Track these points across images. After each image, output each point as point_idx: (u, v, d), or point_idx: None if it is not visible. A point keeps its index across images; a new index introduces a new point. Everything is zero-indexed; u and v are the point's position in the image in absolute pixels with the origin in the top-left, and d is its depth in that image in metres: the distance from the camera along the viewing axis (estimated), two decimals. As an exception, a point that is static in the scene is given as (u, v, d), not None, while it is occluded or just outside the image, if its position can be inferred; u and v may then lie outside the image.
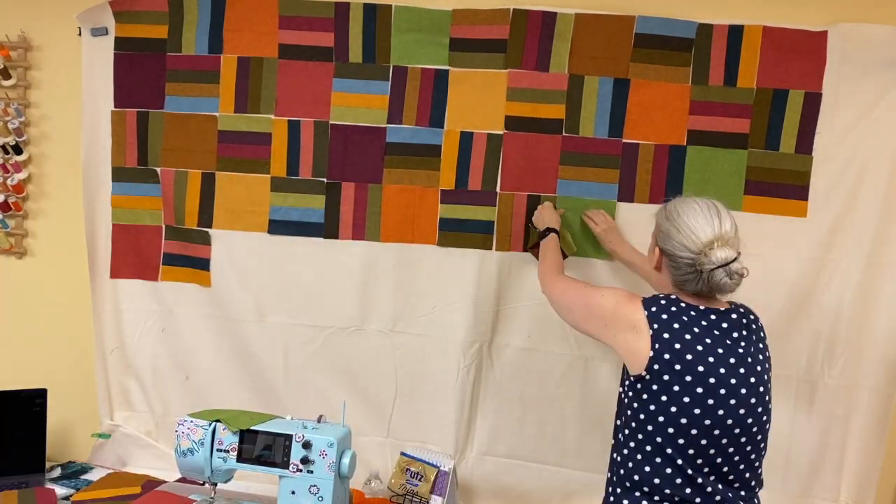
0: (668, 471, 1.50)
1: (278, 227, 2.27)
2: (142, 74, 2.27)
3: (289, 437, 1.79)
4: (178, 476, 2.03)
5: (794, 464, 2.15)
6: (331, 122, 2.22)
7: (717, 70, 2.08)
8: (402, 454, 2.16)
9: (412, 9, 2.16)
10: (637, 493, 1.54)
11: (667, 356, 1.48)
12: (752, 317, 1.59)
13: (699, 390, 1.47)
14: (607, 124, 2.13)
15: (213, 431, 1.80)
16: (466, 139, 2.18)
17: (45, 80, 2.37)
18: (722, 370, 1.47)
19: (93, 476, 2.25)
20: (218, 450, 1.82)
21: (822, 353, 2.11)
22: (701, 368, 1.47)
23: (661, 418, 1.49)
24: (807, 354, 2.12)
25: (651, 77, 2.10)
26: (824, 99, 2.05)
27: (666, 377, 1.48)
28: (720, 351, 1.49)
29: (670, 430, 1.49)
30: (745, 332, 1.54)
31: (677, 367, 1.48)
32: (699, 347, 1.48)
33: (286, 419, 1.87)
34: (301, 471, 1.77)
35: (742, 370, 1.49)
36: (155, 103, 2.28)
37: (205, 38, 2.24)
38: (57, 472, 2.28)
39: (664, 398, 1.49)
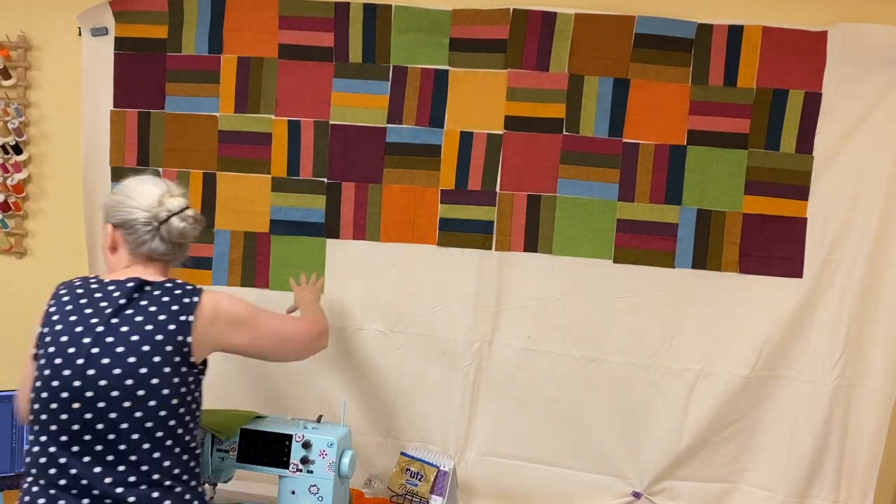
0: (35, 448, 1.48)
1: (279, 227, 2.27)
2: (142, 74, 2.27)
3: (289, 437, 1.79)
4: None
5: (794, 464, 2.14)
6: (331, 122, 2.23)
7: (717, 70, 2.08)
8: (402, 454, 2.16)
9: (412, 9, 2.16)
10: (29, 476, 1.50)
11: (42, 331, 1.51)
12: (176, 291, 1.54)
13: (46, 372, 1.46)
14: (607, 124, 2.13)
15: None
16: (466, 139, 2.18)
17: (45, 80, 2.37)
18: (71, 349, 1.45)
19: (93, 476, 2.25)
20: (218, 450, 1.83)
21: (822, 354, 2.11)
22: (52, 349, 1.47)
23: (32, 394, 1.49)
24: (807, 354, 2.12)
25: (651, 77, 2.10)
26: (824, 99, 2.05)
27: (39, 352, 1.49)
28: (78, 329, 1.47)
29: (35, 406, 1.48)
30: (130, 309, 1.49)
31: (42, 348, 1.49)
32: (59, 327, 1.49)
33: (286, 419, 1.88)
34: (301, 471, 1.77)
35: (96, 349, 1.45)
36: (155, 103, 2.28)
37: (205, 38, 2.24)
38: (57, 472, 2.27)
39: (36, 373, 1.50)
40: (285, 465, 1.78)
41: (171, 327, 1.49)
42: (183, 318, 1.51)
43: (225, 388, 2.32)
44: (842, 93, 2.04)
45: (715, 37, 2.07)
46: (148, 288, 1.54)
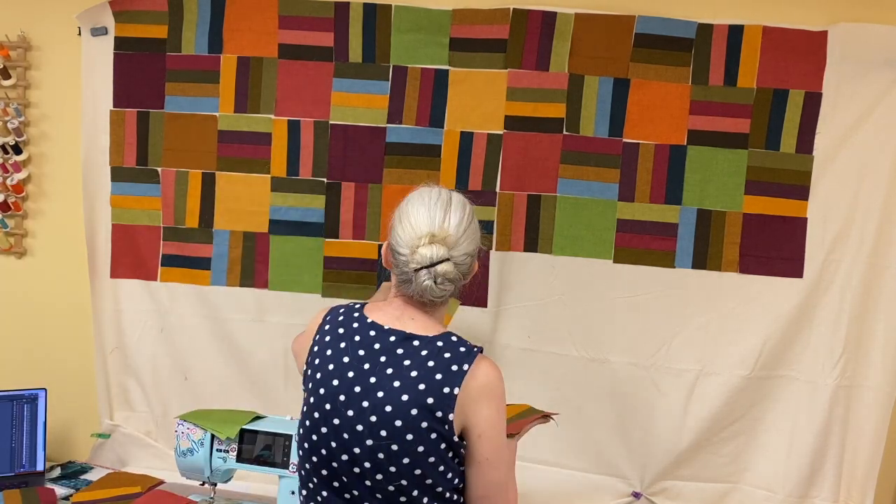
0: (303, 492, 1.39)
1: (278, 227, 2.27)
2: (142, 74, 2.27)
3: (288, 437, 1.79)
4: (179, 476, 2.02)
5: (794, 464, 2.14)
6: (331, 121, 2.22)
7: (717, 70, 2.08)
8: (403, 454, 2.15)
9: (412, 8, 2.16)
10: None
11: (309, 371, 1.37)
12: (446, 354, 1.31)
13: (316, 415, 1.33)
14: (607, 124, 2.13)
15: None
16: (466, 139, 2.18)
17: (45, 80, 2.37)
18: (342, 397, 1.31)
19: (92, 476, 2.25)
20: (218, 450, 1.83)
21: (822, 353, 2.11)
22: (322, 391, 1.32)
23: (301, 430, 1.39)
24: (807, 354, 2.12)
25: (651, 77, 2.10)
26: (824, 99, 2.05)
27: (306, 389, 1.37)
28: (350, 375, 1.32)
29: (305, 446, 1.37)
30: (405, 362, 1.31)
31: (310, 384, 1.36)
32: (331, 366, 1.33)
33: (286, 419, 1.88)
34: (301, 471, 1.76)
35: (366, 403, 1.29)
36: (155, 103, 2.28)
37: (205, 38, 2.24)
38: (57, 472, 2.28)
39: (305, 410, 1.38)
40: (285, 465, 1.78)
41: (431, 400, 1.29)
42: (447, 390, 1.29)
43: (225, 388, 2.33)
44: (842, 93, 2.04)
45: (715, 37, 2.07)
46: (416, 343, 1.34)
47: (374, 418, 1.28)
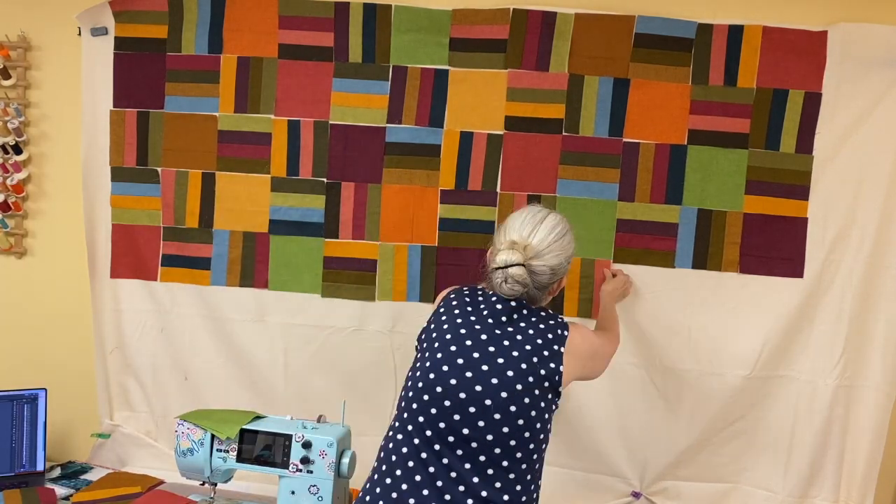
0: (400, 438, 1.53)
1: (278, 227, 2.27)
2: (142, 74, 2.27)
3: (288, 437, 1.79)
4: (179, 476, 2.02)
5: (794, 464, 2.15)
6: (331, 122, 2.22)
7: (717, 70, 2.08)
8: (402, 454, 2.15)
9: (412, 9, 2.16)
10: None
11: (425, 334, 1.60)
12: (551, 321, 1.58)
13: (431, 375, 1.51)
14: (607, 124, 2.13)
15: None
16: (466, 139, 2.18)
17: (45, 80, 2.37)
18: (460, 360, 1.50)
19: (92, 476, 2.25)
20: (218, 450, 1.83)
21: (822, 354, 2.11)
22: (440, 355, 1.52)
23: (410, 392, 1.54)
24: (807, 354, 2.12)
25: (651, 77, 2.10)
26: (824, 99, 2.05)
27: (424, 346, 1.58)
28: (477, 327, 1.54)
29: (413, 406, 1.52)
30: (517, 334, 1.54)
31: (426, 345, 1.57)
32: (448, 336, 1.54)
33: (286, 419, 1.87)
34: (301, 471, 1.77)
35: (485, 367, 1.49)
36: (155, 103, 2.28)
37: (205, 38, 2.24)
38: (57, 472, 2.28)
39: (418, 373, 1.55)
40: (285, 465, 1.78)
41: (546, 353, 1.53)
42: (556, 347, 1.55)
43: (225, 388, 2.33)
44: (842, 93, 2.04)
45: (715, 37, 2.07)
46: (525, 312, 1.58)
47: (494, 381, 1.47)
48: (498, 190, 2.18)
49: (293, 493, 1.78)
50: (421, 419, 1.50)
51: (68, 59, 2.31)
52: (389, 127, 2.20)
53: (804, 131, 2.07)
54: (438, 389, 1.49)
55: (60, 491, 2.12)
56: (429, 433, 1.48)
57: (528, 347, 1.52)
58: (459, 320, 1.56)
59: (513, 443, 1.47)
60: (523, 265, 1.53)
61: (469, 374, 1.48)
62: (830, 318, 2.10)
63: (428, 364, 1.53)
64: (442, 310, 1.62)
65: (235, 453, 1.82)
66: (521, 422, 1.47)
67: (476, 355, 1.50)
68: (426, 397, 1.50)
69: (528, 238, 1.55)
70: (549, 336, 1.55)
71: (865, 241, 2.07)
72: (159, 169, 2.30)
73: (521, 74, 2.14)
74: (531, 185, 2.17)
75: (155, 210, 2.31)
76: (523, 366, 1.49)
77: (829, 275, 2.09)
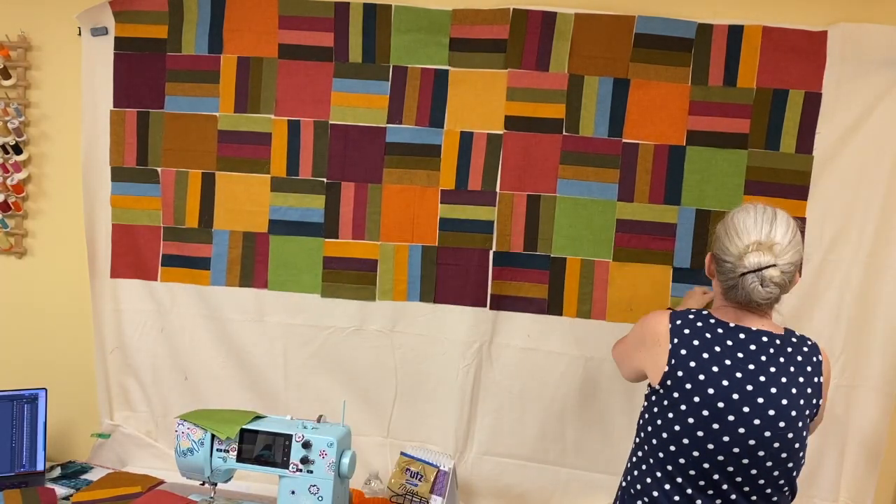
0: (667, 487, 1.48)
1: (278, 227, 2.27)
2: (142, 74, 2.27)
3: (289, 437, 1.79)
4: (179, 476, 2.02)
5: (794, 464, 2.15)
6: (331, 122, 2.23)
7: (717, 70, 2.08)
8: (402, 454, 2.16)
9: (412, 9, 2.16)
10: (639, 503, 1.53)
11: (680, 373, 1.46)
12: (804, 348, 1.51)
13: (705, 413, 1.44)
14: (607, 124, 2.13)
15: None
16: (466, 139, 2.18)
17: (45, 80, 2.37)
18: (735, 395, 1.43)
19: (92, 476, 2.25)
20: (218, 450, 1.83)
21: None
22: (711, 391, 1.43)
23: (664, 434, 1.48)
24: (807, 354, 2.12)
25: (651, 77, 2.10)
26: (824, 99, 2.05)
27: (676, 394, 1.46)
28: (738, 375, 1.44)
29: (672, 448, 1.47)
30: (781, 359, 1.47)
31: (688, 385, 1.45)
32: (714, 368, 1.44)
33: (286, 419, 1.87)
34: (301, 471, 1.77)
35: (761, 399, 1.43)
36: (155, 103, 2.28)
37: (205, 38, 2.24)
38: (57, 472, 2.28)
39: (671, 415, 1.47)
40: (285, 465, 1.78)
41: (809, 390, 1.48)
42: (816, 379, 1.50)
43: (225, 389, 2.33)
44: (842, 93, 2.04)
45: (715, 37, 2.07)
46: (779, 342, 1.50)
47: (772, 412, 1.42)
48: (498, 190, 2.18)
49: (293, 493, 1.78)
50: (692, 472, 1.46)
51: (68, 59, 2.31)
52: (389, 127, 2.21)
53: (804, 131, 2.07)
54: (716, 426, 1.44)
55: (60, 491, 2.12)
56: (701, 482, 1.46)
57: (798, 384, 1.46)
58: (716, 353, 1.46)
59: (782, 482, 1.47)
60: (776, 265, 1.44)
61: (757, 422, 1.43)
62: (830, 319, 2.10)
63: (691, 420, 1.45)
64: (684, 352, 1.49)
65: (235, 453, 1.82)
66: (790, 464, 1.47)
67: (760, 400, 1.44)
68: (699, 434, 1.44)
69: (771, 236, 1.46)
70: (809, 369, 1.50)
71: (864, 241, 2.07)
72: (159, 169, 2.30)
73: (521, 74, 2.14)
74: (531, 184, 2.17)
75: (155, 210, 2.32)
76: (800, 403, 1.46)
77: (828, 275, 2.09)
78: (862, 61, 2.03)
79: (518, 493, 2.26)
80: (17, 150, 2.37)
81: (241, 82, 2.24)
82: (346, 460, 1.78)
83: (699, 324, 1.50)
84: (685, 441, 1.45)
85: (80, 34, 2.28)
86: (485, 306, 2.21)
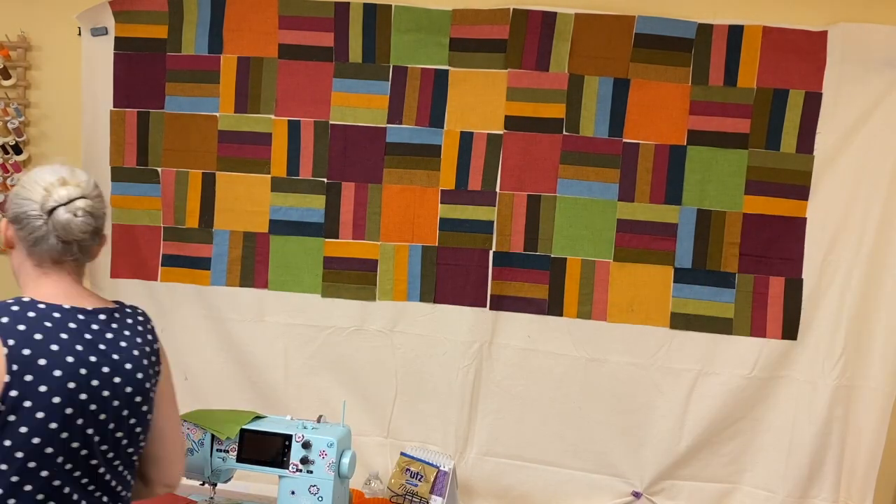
0: (28, 488, 1.21)
1: (278, 227, 2.27)
2: (142, 74, 2.27)
3: (289, 437, 1.79)
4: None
5: (794, 464, 2.14)
6: (331, 122, 2.23)
7: (717, 70, 2.08)
8: (402, 454, 2.15)
9: (412, 9, 2.16)
10: None
11: (28, 378, 1.20)
12: (140, 317, 1.44)
13: (69, 411, 1.23)
14: (607, 124, 2.13)
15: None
16: (466, 139, 2.18)
17: (45, 80, 2.37)
18: (95, 382, 1.26)
19: (93, 476, 2.25)
20: (218, 450, 1.83)
21: (822, 354, 2.11)
22: (73, 385, 1.23)
23: (18, 454, 1.20)
24: (807, 354, 2.12)
25: (651, 77, 2.10)
26: (824, 99, 2.05)
27: (28, 403, 1.19)
28: (93, 359, 1.27)
29: (31, 465, 1.20)
30: (126, 332, 1.37)
31: (42, 388, 1.20)
32: (69, 359, 1.24)
33: (286, 419, 1.87)
34: (301, 471, 1.77)
35: (118, 379, 1.30)
36: (155, 103, 2.28)
37: (205, 38, 2.24)
38: (57, 472, 2.27)
39: (24, 430, 1.19)
40: (285, 465, 1.78)
41: (154, 358, 1.42)
42: (156, 346, 1.46)
43: (225, 388, 2.32)
44: (842, 93, 2.04)
45: (715, 37, 2.08)
46: (117, 315, 1.40)
47: (129, 389, 1.32)
48: (498, 190, 2.18)
49: (293, 493, 1.78)
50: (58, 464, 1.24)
51: (68, 59, 2.31)
52: (390, 127, 2.21)
53: (805, 131, 2.07)
54: (80, 421, 1.25)
55: (60, 491, 2.11)
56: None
57: (144, 349, 1.38)
58: (55, 346, 1.25)
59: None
60: (85, 197, 1.33)
61: (107, 393, 1.29)
62: (830, 319, 2.10)
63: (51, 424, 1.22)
64: (27, 352, 1.22)
65: (235, 453, 1.82)
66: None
67: (107, 370, 1.30)
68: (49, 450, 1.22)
69: (75, 177, 1.34)
70: (149, 336, 1.44)
71: (865, 241, 2.07)
72: (159, 169, 2.30)
73: (521, 74, 2.14)
74: (531, 184, 2.17)
75: (155, 210, 2.31)
76: (146, 369, 1.36)
77: (828, 275, 2.09)
78: (862, 61, 2.03)
79: (518, 493, 2.26)
80: (17, 150, 2.37)
81: (241, 82, 2.24)
82: (346, 460, 1.78)
83: (31, 313, 1.25)
84: (48, 451, 1.21)
85: (80, 34, 2.28)
86: (485, 306, 2.21)
